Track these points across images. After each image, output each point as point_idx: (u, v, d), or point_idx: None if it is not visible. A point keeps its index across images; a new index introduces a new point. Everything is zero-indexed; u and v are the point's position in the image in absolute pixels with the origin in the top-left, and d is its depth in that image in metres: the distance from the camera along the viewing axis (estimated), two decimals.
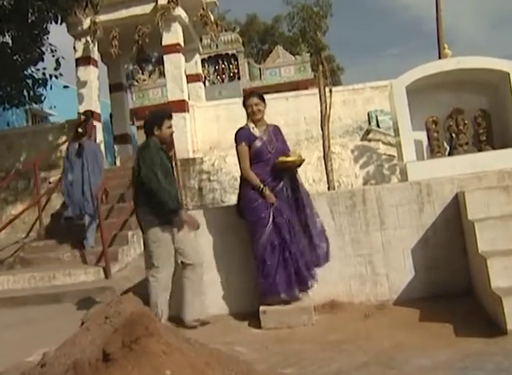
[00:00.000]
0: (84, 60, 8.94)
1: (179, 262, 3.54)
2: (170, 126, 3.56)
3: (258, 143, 3.55)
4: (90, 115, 6.81)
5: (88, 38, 8.74)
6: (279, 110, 8.34)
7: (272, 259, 3.42)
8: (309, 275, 3.47)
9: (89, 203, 5.92)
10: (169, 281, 3.47)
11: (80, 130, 6.24)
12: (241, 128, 3.64)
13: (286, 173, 3.58)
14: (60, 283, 5.36)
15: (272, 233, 3.43)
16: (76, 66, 9.01)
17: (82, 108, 8.45)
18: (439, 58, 7.61)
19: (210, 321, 3.57)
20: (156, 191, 3.35)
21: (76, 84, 9.15)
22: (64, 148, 8.26)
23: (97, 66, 9.29)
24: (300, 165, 3.59)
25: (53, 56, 8.99)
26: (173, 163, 3.75)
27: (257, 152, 3.55)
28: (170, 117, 3.59)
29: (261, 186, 3.46)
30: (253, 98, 3.62)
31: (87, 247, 5.95)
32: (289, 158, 3.47)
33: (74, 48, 8.98)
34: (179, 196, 3.55)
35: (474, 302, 3.34)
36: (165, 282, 3.44)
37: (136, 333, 1.75)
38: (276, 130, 3.71)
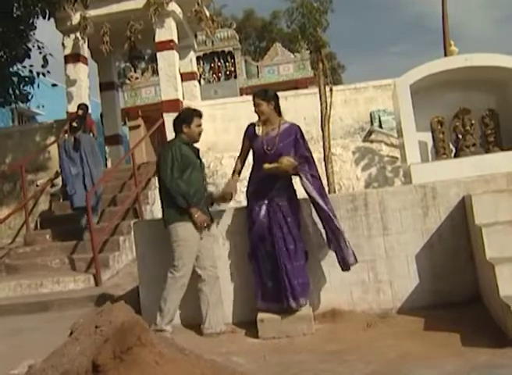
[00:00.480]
0: (73, 57, 8.79)
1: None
2: (200, 125, 3.60)
3: (256, 143, 3.53)
4: (85, 108, 6.74)
5: (78, 34, 8.57)
6: None
7: (255, 267, 3.44)
8: (290, 297, 3.29)
9: (91, 197, 5.85)
10: (187, 281, 3.44)
11: (74, 124, 6.28)
12: (250, 124, 3.63)
13: (285, 177, 3.47)
14: (48, 291, 5.28)
15: (259, 242, 3.40)
16: (65, 63, 8.87)
17: (71, 108, 8.31)
18: (445, 55, 7.55)
19: (229, 330, 3.49)
20: (167, 186, 3.41)
21: (64, 83, 8.99)
22: (52, 148, 8.15)
23: (87, 64, 9.14)
24: (288, 171, 3.41)
25: (40, 53, 8.87)
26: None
27: (255, 152, 3.55)
28: (200, 116, 3.63)
29: (232, 175, 3.59)
30: (254, 100, 3.55)
31: (85, 229, 5.90)
32: (272, 165, 3.37)
33: (63, 44, 8.82)
34: (198, 194, 3.49)
35: (482, 311, 3.28)
36: (182, 281, 3.42)
37: (128, 343, 1.71)
38: (293, 128, 3.55)
